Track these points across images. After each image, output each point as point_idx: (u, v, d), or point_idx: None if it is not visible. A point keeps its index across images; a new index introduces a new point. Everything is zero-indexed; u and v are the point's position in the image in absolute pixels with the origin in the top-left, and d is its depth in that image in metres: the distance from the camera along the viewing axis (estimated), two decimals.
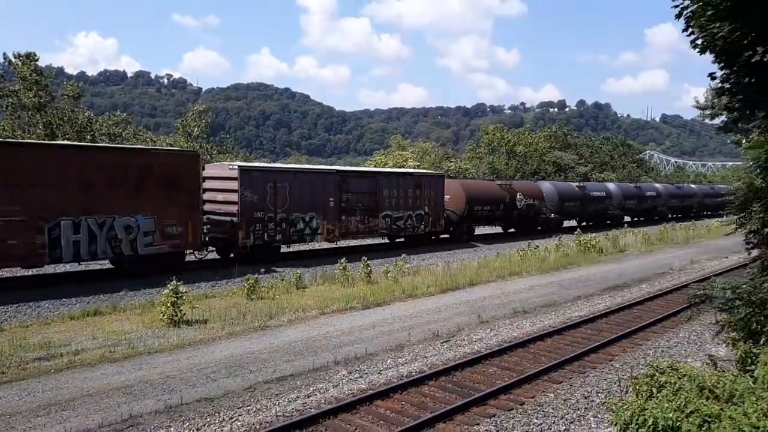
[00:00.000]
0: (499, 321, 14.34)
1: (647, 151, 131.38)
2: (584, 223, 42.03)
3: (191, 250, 19.90)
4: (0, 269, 16.64)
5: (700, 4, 6.97)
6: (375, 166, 50.56)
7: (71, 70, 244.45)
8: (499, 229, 35.96)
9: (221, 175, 21.59)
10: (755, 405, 4.91)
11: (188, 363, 10.72)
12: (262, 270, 18.91)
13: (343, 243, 25.85)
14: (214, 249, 22.19)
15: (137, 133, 39.19)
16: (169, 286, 13.63)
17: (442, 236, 30.46)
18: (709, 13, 6.86)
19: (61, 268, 18.78)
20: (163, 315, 13.38)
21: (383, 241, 28.92)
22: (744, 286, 7.71)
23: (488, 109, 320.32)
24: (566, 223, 40.10)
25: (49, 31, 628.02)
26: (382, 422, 8.23)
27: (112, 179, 17.15)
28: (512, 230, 35.94)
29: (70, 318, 13.96)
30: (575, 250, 26.90)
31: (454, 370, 10.44)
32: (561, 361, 10.94)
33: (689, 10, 7.11)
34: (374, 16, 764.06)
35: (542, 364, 10.76)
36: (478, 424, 8.20)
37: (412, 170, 33.12)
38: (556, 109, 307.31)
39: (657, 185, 52.83)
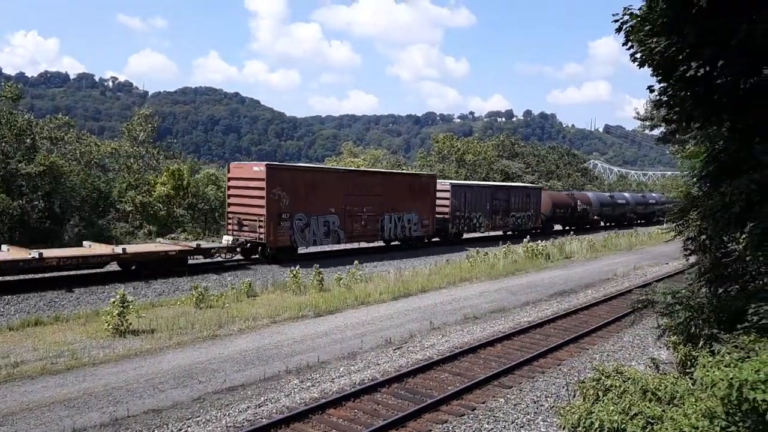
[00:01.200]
0: (451, 327, 14.49)
1: (591, 161, 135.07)
2: (611, 224, 52.10)
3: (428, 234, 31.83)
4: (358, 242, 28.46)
5: (639, 19, 7.25)
6: None
7: (9, 71, 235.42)
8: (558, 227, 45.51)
9: (442, 188, 33.23)
10: (694, 406, 5.12)
11: (135, 374, 10.43)
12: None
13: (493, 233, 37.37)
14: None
15: (80, 137, 37.89)
16: (116, 294, 13.25)
17: (535, 230, 41.03)
18: (647, 28, 7.14)
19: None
20: (108, 325, 12.99)
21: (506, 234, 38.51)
22: (683, 291, 8.02)
23: (438, 118, 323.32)
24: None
25: None
26: (334, 431, 8.20)
27: (401, 192, 29.18)
28: (569, 227, 45.22)
29: (8, 328, 13.37)
30: (523, 256, 27.42)
31: (407, 376, 10.50)
32: (511, 366, 11.14)
33: (628, 24, 7.38)
34: (325, 23, 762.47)
35: (493, 370, 10.94)
36: (430, 431, 8.27)
37: (526, 184, 46.56)
38: (503, 119, 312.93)
39: (654, 195, 64.31)
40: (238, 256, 23.78)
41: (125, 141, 41.22)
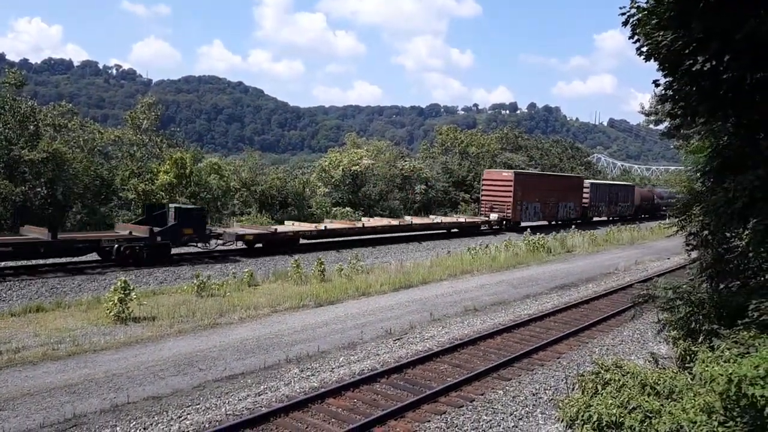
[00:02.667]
0: (451, 319, 14.52)
1: (595, 154, 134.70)
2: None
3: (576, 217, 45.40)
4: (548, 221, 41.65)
5: (646, 12, 7.20)
6: (330, 164, 50.39)
7: (13, 57, 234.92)
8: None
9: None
10: (693, 401, 5.12)
11: (135, 361, 10.48)
12: None
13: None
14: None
15: (84, 125, 37.86)
16: (116, 282, 13.29)
17: (629, 216, 54.44)
18: (653, 21, 7.09)
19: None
20: (110, 312, 13.04)
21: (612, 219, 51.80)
22: (684, 286, 8.00)
23: (442, 110, 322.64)
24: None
25: None
26: (333, 420, 8.23)
27: (566, 188, 44.74)
28: (644, 216, 57.61)
29: (10, 314, 13.45)
30: (524, 249, 27.42)
31: (406, 367, 10.53)
32: (510, 359, 11.16)
33: (635, 18, 7.32)
34: (330, 12, 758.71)
35: (492, 362, 10.96)
36: (429, 421, 8.29)
37: (627, 183, 62.18)
38: (507, 111, 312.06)
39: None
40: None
41: (128, 129, 41.20)
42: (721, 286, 7.60)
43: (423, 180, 50.28)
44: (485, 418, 8.49)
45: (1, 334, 11.89)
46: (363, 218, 33.96)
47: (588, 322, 14.46)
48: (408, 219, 33.42)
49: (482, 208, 39.70)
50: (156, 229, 19.91)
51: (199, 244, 22.00)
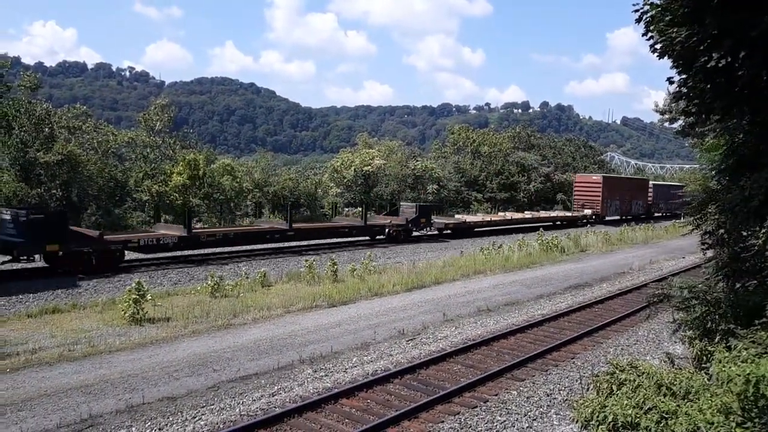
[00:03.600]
0: (464, 319, 14.48)
1: (608, 153, 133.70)
2: None
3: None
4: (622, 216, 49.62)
5: (659, 9, 7.14)
6: (341, 164, 50.47)
7: (28, 60, 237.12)
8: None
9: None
10: (710, 401, 5.07)
11: (150, 362, 10.55)
12: None
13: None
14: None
15: (98, 127, 38.19)
16: (131, 283, 13.39)
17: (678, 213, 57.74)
18: (667, 18, 7.04)
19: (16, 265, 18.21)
20: (125, 313, 13.14)
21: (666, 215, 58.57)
22: (700, 285, 7.94)
23: (454, 109, 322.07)
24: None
25: (0, 19, 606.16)
26: (347, 421, 8.24)
27: (635, 188, 54.91)
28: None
29: (27, 316, 13.60)
30: (538, 249, 27.31)
31: (419, 368, 10.51)
32: (524, 359, 11.11)
33: (648, 14, 7.27)
34: (340, 12, 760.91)
35: (506, 362, 10.91)
36: (442, 422, 8.28)
37: (678, 183, 65.27)
38: (520, 110, 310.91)
39: None
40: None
41: (142, 131, 41.50)
42: (738, 285, 7.53)
43: (435, 180, 50.20)
44: (499, 418, 8.46)
45: (18, 335, 12.03)
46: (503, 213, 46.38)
47: (602, 322, 14.36)
48: (530, 213, 45.52)
49: (575, 205, 49.44)
50: (408, 219, 30.62)
51: (426, 230, 32.11)
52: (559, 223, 44.06)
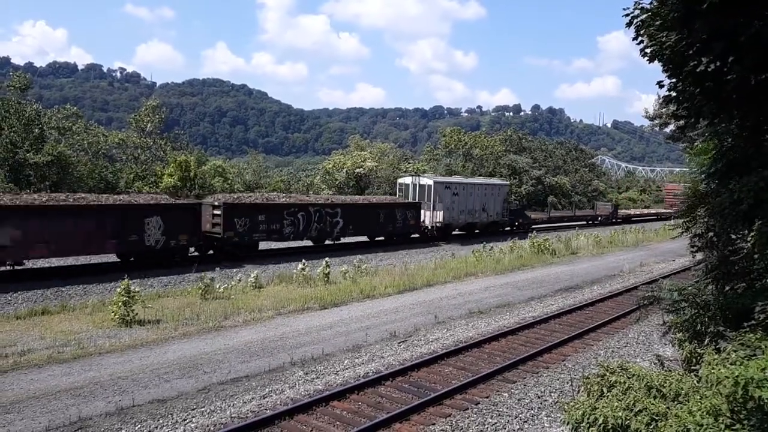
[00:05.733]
0: (455, 321, 14.49)
1: (599, 156, 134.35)
2: None
3: None
4: None
5: (649, 13, 7.18)
6: (333, 166, 50.51)
7: (18, 60, 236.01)
8: None
9: None
10: (699, 403, 5.10)
11: (140, 364, 10.49)
12: None
13: None
14: None
15: (88, 128, 38.01)
16: (121, 285, 13.32)
17: None
18: (657, 22, 7.08)
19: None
20: (115, 315, 13.07)
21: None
22: (690, 288, 7.98)
23: (446, 112, 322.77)
24: None
25: None
26: (338, 423, 8.23)
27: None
28: None
29: (15, 317, 13.50)
30: (529, 251, 27.38)
31: (411, 370, 10.51)
32: (515, 361, 11.14)
33: (639, 19, 7.31)
34: (333, 14, 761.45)
35: (497, 364, 10.93)
36: (434, 424, 8.28)
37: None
38: (511, 113, 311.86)
39: None
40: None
41: (133, 132, 41.37)
42: (727, 288, 7.57)
43: None
44: (490, 420, 8.47)
45: (7, 337, 11.93)
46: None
47: (593, 324, 14.42)
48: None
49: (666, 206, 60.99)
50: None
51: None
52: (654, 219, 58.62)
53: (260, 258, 22.98)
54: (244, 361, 10.83)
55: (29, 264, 18.25)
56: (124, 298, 13.10)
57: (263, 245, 24.31)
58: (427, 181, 33.69)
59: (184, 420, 8.19)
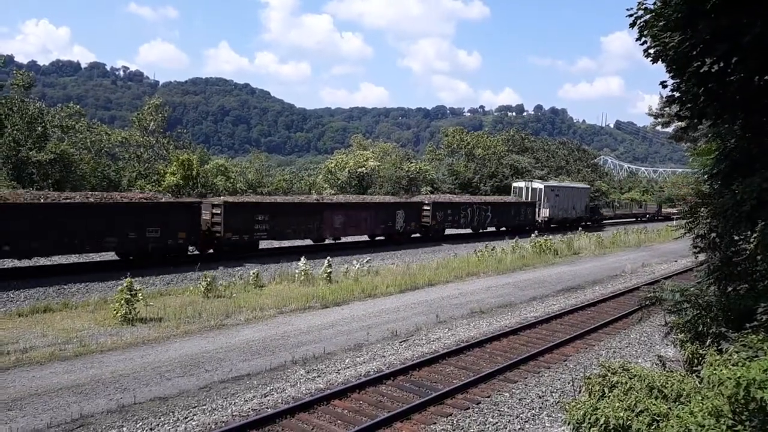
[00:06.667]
0: (457, 321, 14.49)
1: (601, 156, 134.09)
2: None
3: None
4: None
5: (653, 14, 7.18)
6: (336, 165, 50.55)
7: (21, 59, 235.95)
8: None
9: None
10: (701, 404, 5.09)
11: (142, 362, 10.51)
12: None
13: None
14: None
15: (91, 126, 38.07)
16: (123, 283, 13.34)
17: None
18: (661, 23, 7.07)
19: (8, 263, 18.13)
20: (117, 312, 13.09)
21: None
22: (692, 289, 7.98)
23: (448, 111, 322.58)
24: None
25: None
26: (339, 422, 8.23)
27: None
28: None
29: (18, 314, 13.53)
30: (531, 252, 27.36)
31: (412, 369, 10.51)
32: (516, 361, 11.13)
33: (642, 19, 7.31)
34: (336, 14, 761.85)
35: (498, 364, 10.93)
36: (435, 423, 8.28)
37: None
38: (514, 113, 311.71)
39: None
40: None
41: (135, 130, 41.41)
42: (729, 289, 7.56)
43: (429, 182, 50.29)
44: (491, 420, 8.47)
45: (10, 334, 11.95)
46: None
47: (594, 324, 14.41)
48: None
49: None
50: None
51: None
52: None
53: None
54: (245, 360, 10.84)
55: (31, 262, 18.30)
56: (127, 296, 13.12)
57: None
58: (538, 185, 43.90)
59: (186, 418, 8.20)
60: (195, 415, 8.32)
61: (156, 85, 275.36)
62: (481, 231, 36.06)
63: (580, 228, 39.80)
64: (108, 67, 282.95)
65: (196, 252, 22.09)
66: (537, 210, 41.40)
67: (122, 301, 13.09)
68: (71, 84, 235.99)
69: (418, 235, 32.06)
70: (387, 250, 27.25)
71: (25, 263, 18.16)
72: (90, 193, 21.64)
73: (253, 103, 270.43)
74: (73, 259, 20.00)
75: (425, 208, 31.63)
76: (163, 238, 19.93)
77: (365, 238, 30.16)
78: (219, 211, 22.09)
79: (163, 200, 21.54)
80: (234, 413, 8.42)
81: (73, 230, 17.53)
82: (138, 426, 7.87)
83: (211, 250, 22.58)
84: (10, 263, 18.12)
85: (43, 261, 19.01)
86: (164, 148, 41.07)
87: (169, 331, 12.58)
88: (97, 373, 9.84)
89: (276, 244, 25.55)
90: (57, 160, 28.57)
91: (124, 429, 7.79)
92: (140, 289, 13.74)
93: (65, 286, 16.42)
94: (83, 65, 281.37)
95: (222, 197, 26.29)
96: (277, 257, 22.93)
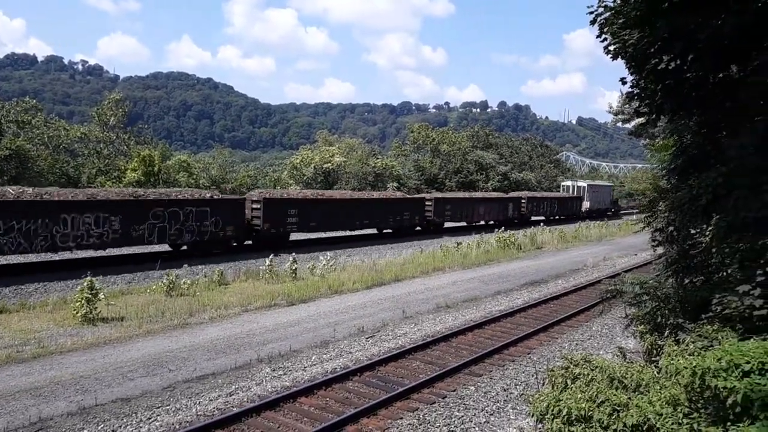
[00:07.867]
0: (423, 316, 14.57)
1: (564, 152, 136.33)
2: None
3: None
4: None
5: (613, 12, 7.33)
6: (301, 161, 50.25)
7: None
8: None
9: None
10: (659, 393, 5.23)
11: (103, 362, 10.29)
12: None
13: None
14: None
15: (48, 121, 37.03)
16: (83, 282, 13.04)
17: None
18: (621, 20, 7.23)
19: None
20: (77, 312, 12.79)
21: None
22: (650, 281, 8.18)
23: (414, 107, 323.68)
24: None
25: None
26: (306, 419, 8.20)
27: None
28: None
29: None
30: (495, 246, 27.66)
31: (379, 365, 10.53)
32: (482, 355, 11.25)
33: (603, 17, 7.46)
34: (301, 9, 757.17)
35: (464, 358, 11.03)
36: (401, 418, 8.31)
37: None
38: (478, 110, 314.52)
39: None
40: None
41: (95, 126, 40.43)
42: (686, 281, 7.78)
43: (395, 177, 50.39)
44: (457, 414, 8.54)
45: None
46: None
47: (557, 317, 14.65)
48: None
49: None
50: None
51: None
52: None
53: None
54: (210, 359, 10.71)
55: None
56: (87, 296, 12.83)
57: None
58: (582, 183, 59.93)
59: (149, 419, 8.07)
60: (158, 415, 8.19)
61: (116, 79, 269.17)
62: (551, 219, 49.50)
63: (606, 217, 52.68)
64: (66, 61, 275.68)
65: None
66: (581, 203, 55.98)
67: (82, 301, 12.79)
68: (27, 78, 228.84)
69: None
70: (353, 247, 27.21)
71: None
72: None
73: (216, 98, 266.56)
74: (32, 258, 19.45)
75: (523, 202, 45.02)
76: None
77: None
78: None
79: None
80: (199, 413, 8.31)
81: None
82: (99, 428, 7.71)
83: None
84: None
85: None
86: (125, 144, 40.23)
87: (131, 330, 12.35)
88: (57, 374, 9.61)
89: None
90: (13, 156, 27.74)
91: (85, 431, 7.62)
92: (101, 288, 13.46)
93: (22, 286, 15.97)
94: (40, 58, 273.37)
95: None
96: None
